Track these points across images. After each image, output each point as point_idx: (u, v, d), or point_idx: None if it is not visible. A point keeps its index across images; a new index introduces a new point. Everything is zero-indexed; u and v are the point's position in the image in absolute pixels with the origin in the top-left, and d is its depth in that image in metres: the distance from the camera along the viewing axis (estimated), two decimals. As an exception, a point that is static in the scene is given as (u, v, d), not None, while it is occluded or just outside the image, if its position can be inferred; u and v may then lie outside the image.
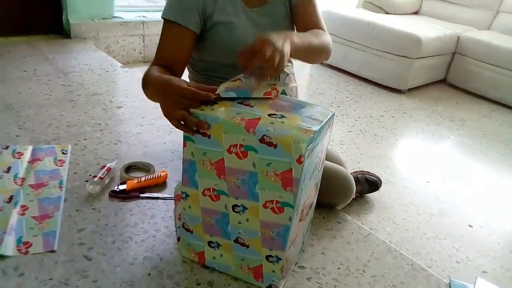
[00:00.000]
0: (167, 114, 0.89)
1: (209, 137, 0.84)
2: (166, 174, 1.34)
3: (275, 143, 0.80)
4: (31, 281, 0.93)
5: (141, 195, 1.25)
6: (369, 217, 1.66)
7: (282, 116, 0.84)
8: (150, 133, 1.64)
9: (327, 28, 1.26)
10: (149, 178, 1.31)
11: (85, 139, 1.54)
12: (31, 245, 1.03)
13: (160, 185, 1.32)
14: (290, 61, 1.39)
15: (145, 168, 1.40)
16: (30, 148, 1.41)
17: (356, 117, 2.67)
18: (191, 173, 0.90)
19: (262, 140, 0.80)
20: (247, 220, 0.90)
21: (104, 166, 1.32)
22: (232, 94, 0.88)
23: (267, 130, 0.80)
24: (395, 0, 3.89)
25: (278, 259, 0.92)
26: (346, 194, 1.33)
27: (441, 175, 2.12)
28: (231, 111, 0.84)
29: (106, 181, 1.28)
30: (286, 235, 0.88)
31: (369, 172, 1.74)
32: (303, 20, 1.25)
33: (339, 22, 3.48)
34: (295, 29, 1.28)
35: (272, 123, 0.81)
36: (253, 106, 0.86)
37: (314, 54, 1.17)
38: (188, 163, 0.90)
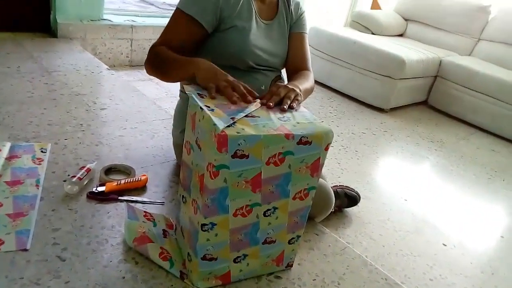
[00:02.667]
0: (208, 81, 1.00)
1: (247, 157, 0.82)
2: (147, 178, 1.33)
3: (310, 141, 0.86)
4: (1, 280, 0.91)
5: (120, 197, 1.24)
6: (347, 231, 1.68)
7: (290, 119, 0.90)
8: (133, 137, 1.63)
9: (314, 44, 1.33)
10: (129, 181, 1.29)
11: (65, 139, 1.52)
12: (3, 242, 1.00)
13: (140, 189, 1.31)
14: (280, 74, 1.41)
15: (125, 171, 1.39)
16: (8, 144, 1.38)
17: (338, 133, 2.71)
18: (221, 200, 0.86)
19: (299, 142, 0.85)
20: (277, 218, 0.94)
21: (84, 167, 1.30)
22: (241, 115, 0.87)
23: (302, 132, 0.85)
24: (382, 22, 3.99)
25: (298, 237, 0.99)
26: (325, 207, 1.35)
27: (419, 193, 2.16)
28: (256, 126, 0.83)
29: (85, 182, 1.26)
30: (307, 214, 0.96)
31: (348, 187, 1.76)
32: (294, 53, 1.33)
33: (326, 39, 3.53)
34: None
35: (294, 126, 0.87)
36: (259, 116, 0.89)
37: (306, 96, 1.25)
38: (218, 192, 0.84)
